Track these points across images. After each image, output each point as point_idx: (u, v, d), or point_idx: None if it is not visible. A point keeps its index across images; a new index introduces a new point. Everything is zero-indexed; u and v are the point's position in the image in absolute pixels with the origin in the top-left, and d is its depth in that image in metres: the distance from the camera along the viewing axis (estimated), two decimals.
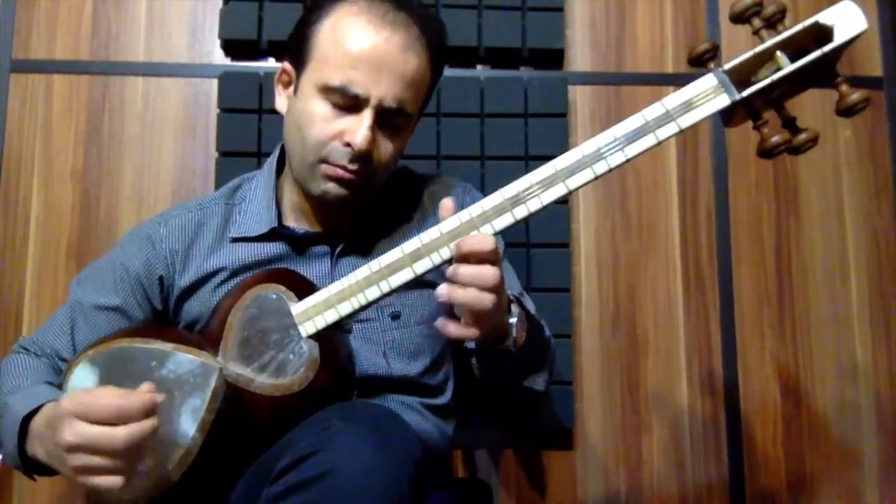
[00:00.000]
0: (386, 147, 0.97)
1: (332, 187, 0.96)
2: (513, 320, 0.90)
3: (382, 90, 0.93)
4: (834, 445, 1.62)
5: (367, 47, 0.92)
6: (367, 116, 0.93)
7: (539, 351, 1.01)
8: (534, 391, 1.03)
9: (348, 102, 0.93)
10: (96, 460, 0.75)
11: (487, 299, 0.80)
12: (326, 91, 0.94)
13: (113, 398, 0.76)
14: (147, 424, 0.76)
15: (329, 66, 0.93)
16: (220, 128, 1.59)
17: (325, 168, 0.95)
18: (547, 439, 1.59)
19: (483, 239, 0.80)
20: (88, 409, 0.75)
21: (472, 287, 0.80)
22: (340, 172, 0.94)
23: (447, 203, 0.85)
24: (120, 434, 0.74)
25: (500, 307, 0.83)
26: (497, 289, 0.81)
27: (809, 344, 1.64)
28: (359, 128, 0.92)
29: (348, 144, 0.93)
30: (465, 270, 0.80)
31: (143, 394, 0.78)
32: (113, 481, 0.76)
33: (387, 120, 0.96)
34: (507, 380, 1.02)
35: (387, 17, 0.94)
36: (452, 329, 0.83)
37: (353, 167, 0.94)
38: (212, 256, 1.03)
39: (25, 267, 1.57)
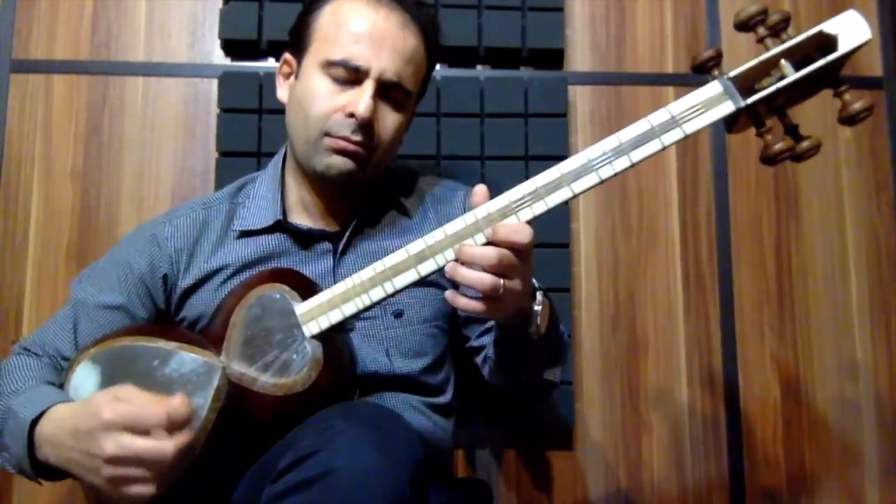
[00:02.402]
0: (386, 121, 0.99)
1: (336, 160, 0.97)
2: (537, 308, 0.90)
3: (383, 63, 0.96)
4: (834, 444, 1.62)
5: (368, 25, 0.97)
6: (368, 87, 0.96)
7: (558, 341, 1.01)
8: (552, 384, 1.04)
9: (350, 76, 0.96)
10: (137, 472, 0.75)
11: (488, 281, 0.79)
12: (328, 66, 0.97)
13: (158, 406, 0.76)
14: (191, 435, 0.78)
15: (331, 45, 0.97)
16: (220, 128, 1.59)
17: (328, 141, 0.97)
18: (547, 439, 1.59)
19: (520, 228, 0.80)
20: (136, 420, 0.75)
21: (489, 271, 0.79)
22: (343, 144, 0.96)
23: (481, 189, 0.84)
24: (170, 448, 0.75)
25: (522, 294, 0.83)
26: (522, 276, 0.81)
27: (809, 344, 1.64)
28: (361, 98, 0.95)
29: (351, 115, 0.95)
30: (490, 253, 0.79)
31: (185, 403, 0.78)
32: (148, 489, 0.76)
33: (387, 94, 0.99)
34: (526, 371, 1.02)
35: (383, 1, 0.99)
36: (462, 301, 0.81)
37: (357, 138, 0.96)
38: (216, 254, 1.03)
39: (25, 267, 1.57)
